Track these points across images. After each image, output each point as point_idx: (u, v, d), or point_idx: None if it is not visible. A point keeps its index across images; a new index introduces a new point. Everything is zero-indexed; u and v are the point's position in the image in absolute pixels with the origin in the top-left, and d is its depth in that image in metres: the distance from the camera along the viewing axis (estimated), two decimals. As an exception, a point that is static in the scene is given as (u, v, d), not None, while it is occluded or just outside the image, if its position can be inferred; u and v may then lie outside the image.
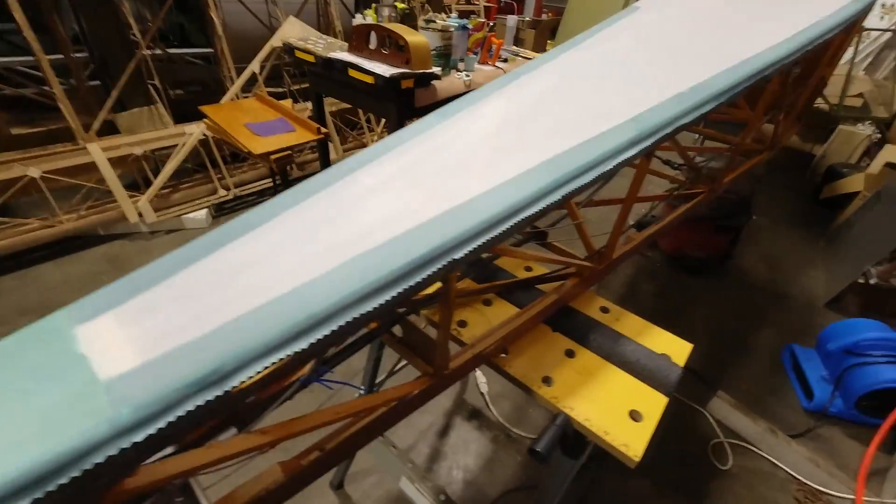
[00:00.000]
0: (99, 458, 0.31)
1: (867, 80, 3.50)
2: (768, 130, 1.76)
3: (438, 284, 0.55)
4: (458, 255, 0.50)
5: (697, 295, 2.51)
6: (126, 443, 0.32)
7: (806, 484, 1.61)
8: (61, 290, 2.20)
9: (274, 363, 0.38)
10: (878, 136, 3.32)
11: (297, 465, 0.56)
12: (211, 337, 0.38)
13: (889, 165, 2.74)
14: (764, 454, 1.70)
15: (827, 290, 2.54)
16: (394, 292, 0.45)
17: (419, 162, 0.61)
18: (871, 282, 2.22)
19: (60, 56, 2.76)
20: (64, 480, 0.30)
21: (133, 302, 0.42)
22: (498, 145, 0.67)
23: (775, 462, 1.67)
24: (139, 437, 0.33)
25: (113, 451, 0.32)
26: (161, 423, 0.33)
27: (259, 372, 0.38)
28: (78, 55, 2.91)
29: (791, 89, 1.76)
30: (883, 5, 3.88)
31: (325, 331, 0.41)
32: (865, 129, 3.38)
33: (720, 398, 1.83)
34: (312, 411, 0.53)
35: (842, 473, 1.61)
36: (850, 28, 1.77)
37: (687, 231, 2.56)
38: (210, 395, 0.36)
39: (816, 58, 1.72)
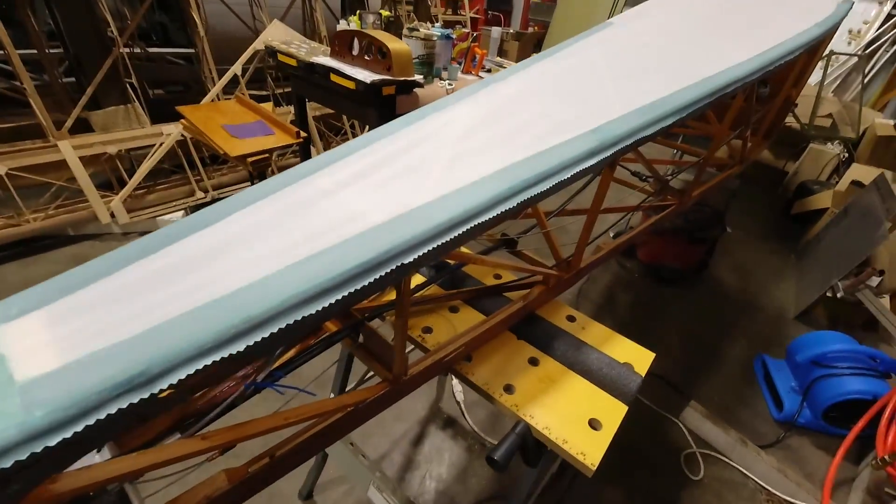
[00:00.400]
0: (6, 462, 0.30)
1: (836, 102, 3.65)
2: (739, 146, 1.81)
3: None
4: (408, 259, 0.49)
5: (673, 305, 2.55)
6: (38, 447, 0.31)
7: (774, 494, 1.64)
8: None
9: (206, 366, 0.37)
10: (846, 155, 3.46)
11: (244, 471, 0.54)
12: (141, 338, 0.37)
13: (855, 183, 2.85)
14: (735, 464, 1.72)
15: (797, 302, 2.61)
16: (338, 296, 0.44)
17: (378, 166, 0.61)
18: (839, 295, 2.29)
19: (33, 52, 2.69)
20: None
21: (64, 301, 0.41)
22: (458, 151, 0.67)
23: (745, 472, 1.70)
24: (52, 441, 0.31)
25: (22, 455, 0.30)
26: (78, 427, 0.32)
27: (191, 375, 0.37)
28: (53, 51, 2.84)
29: (758, 107, 1.82)
30: (850, 31, 4.07)
31: (263, 333, 0.40)
32: (834, 149, 3.51)
33: (693, 408, 1.85)
34: (260, 417, 0.52)
35: (809, 483, 1.64)
36: (815, 51, 1.85)
37: (664, 242, 2.61)
38: (134, 398, 0.34)
39: (782, 78, 1.79)
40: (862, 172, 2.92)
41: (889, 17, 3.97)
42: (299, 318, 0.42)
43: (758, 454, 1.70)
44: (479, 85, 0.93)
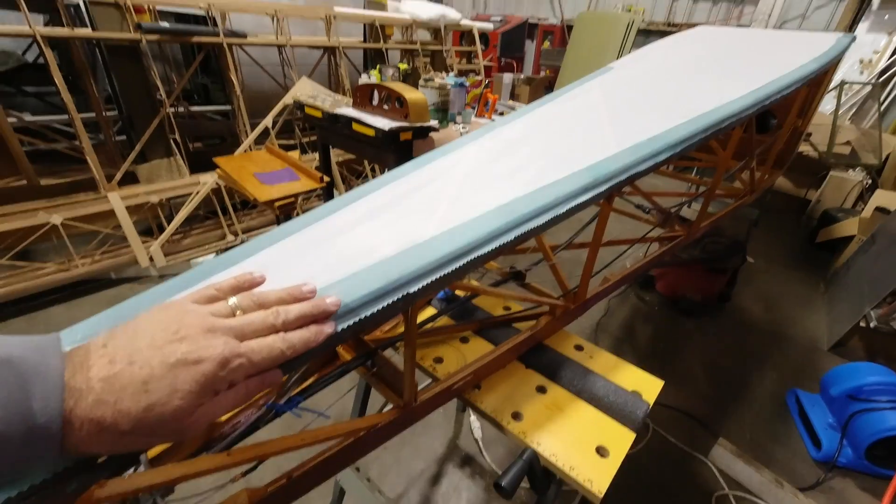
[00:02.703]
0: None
1: (854, 129, 3.63)
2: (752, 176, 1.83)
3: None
4: (414, 289, 0.55)
5: (695, 337, 2.48)
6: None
7: (818, 541, 1.53)
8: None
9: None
10: (870, 181, 3.39)
11: (264, 491, 0.58)
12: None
13: (880, 209, 2.78)
14: (771, 508, 1.62)
15: (830, 333, 2.50)
16: (350, 322, 0.50)
17: (389, 205, 0.69)
18: (871, 325, 2.19)
19: (92, 115, 3.02)
20: (35, 481, 0.34)
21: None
22: (463, 189, 0.74)
23: (784, 517, 1.59)
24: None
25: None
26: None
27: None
28: (108, 113, 3.17)
29: (765, 138, 1.85)
30: (861, 61, 4.10)
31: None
32: (856, 175, 3.45)
33: (722, 446, 1.77)
34: (277, 437, 0.57)
35: (855, 530, 1.53)
36: (818, 83, 1.90)
37: (682, 274, 2.58)
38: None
39: (787, 109, 1.83)
40: (887, 198, 2.86)
41: (900, 46, 4.01)
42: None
43: (796, 496, 1.60)
44: (485, 129, 1.02)
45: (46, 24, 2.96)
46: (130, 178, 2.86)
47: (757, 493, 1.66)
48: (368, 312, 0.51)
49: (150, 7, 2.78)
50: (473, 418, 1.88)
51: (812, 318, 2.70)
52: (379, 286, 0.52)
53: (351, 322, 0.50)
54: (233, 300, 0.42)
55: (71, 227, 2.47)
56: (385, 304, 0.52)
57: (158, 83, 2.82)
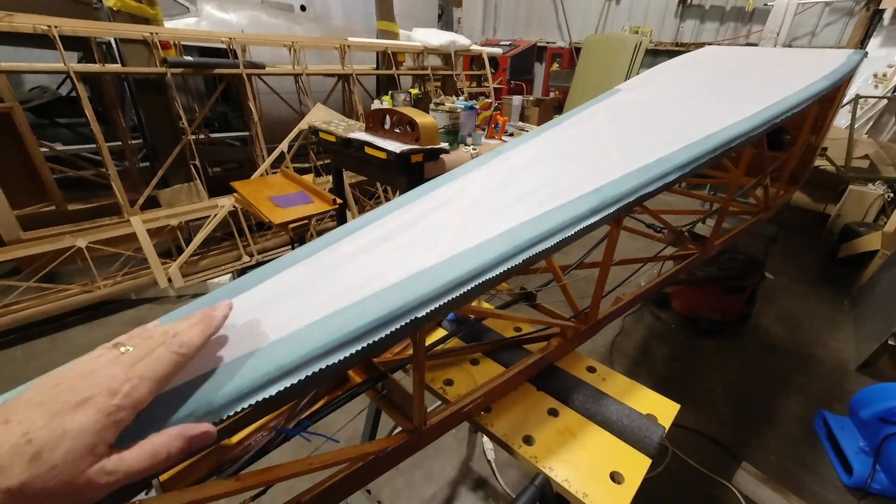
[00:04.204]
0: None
1: (872, 143, 3.57)
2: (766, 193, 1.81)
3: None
4: (420, 314, 0.56)
5: (715, 358, 2.41)
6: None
7: (854, 576, 1.44)
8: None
9: (244, 408, 0.44)
10: (892, 195, 3.31)
11: (274, 516, 0.59)
12: (192, 384, 0.45)
13: (903, 224, 2.70)
14: (802, 539, 1.54)
15: (857, 352, 2.41)
16: (358, 347, 0.51)
17: (395, 232, 0.70)
18: (902, 344, 2.10)
19: (119, 143, 3.16)
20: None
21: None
22: (469, 216, 0.75)
23: (816, 549, 1.51)
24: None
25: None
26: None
27: (230, 415, 0.44)
28: (133, 142, 3.32)
29: (779, 154, 1.84)
30: (875, 75, 4.06)
31: (292, 380, 0.47)
32: (877, 189, 3.38)
33: (746, 470, 1.70)
34: (287, 461, 0.57)
35: (895, 564, 1.43)
36: (831, 100, 1.89)
37: (698, 292, 2.53)
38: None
39: (799, 126, 1.82)
40: (911, 212, 2.78)
41: (914, 59, 3.97)
42: (323, 366, 0.49)
43: (829, 527, 1.51)
44: (492, 154, 1.03)
45: (80, 61, 3.15)
46: (152, 203, 2.96)
47: (786, 523, 1.58)
48: (376, 338, 0.52)
49: (176, 43, 2.94)
50: (486, 440, 1.84)
51: (838, 336, 2.61)
52: (385, 312, 0.53)
53: (358, 348, 0.51)
54: (121, 346, 0.40)
55: (95, 250, 2.56)
56: (391, 329, 0.53)
57: (181, 113, 2.95)
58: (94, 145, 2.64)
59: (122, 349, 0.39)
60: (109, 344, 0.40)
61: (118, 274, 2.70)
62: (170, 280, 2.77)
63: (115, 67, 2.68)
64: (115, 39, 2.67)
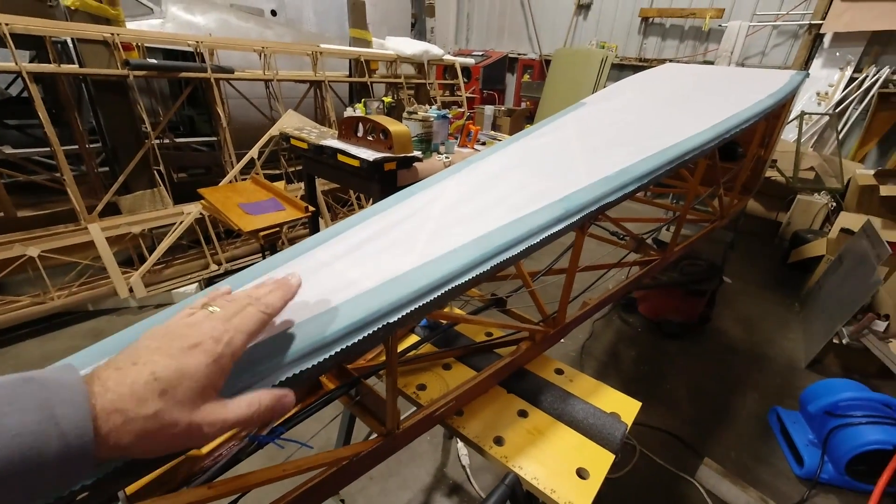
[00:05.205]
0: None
1: (816, 156, 3.85)
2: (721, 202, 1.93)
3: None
4: (393, 319, 0.57)
5: (679, 359, 2.53)
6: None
7: (806, 561, 1.53)
8: (38, 367, 2.19)
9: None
10: (834, 204, 3.57)
11: (246, 526, 0.58)
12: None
13: (844, 230, 2.92)
14: (759, 528, 1.62)
15: (806, 351, 2.57)
16: (331, 352, 0.52)
17: (370, 239, 0.72)
18: (844, 342, 2.26)
19: (75, 147, 3.02)
20: None
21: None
22: (441, 224, 0.78)
23: (771, 537, 1.60)
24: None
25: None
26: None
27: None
28: (91, 146, 3.17)
29: (731, 166, 1.96)
30: (818, 93, 4.40)
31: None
32: (822, 199, 3.64)
33: (708, 466, 1.78)
34: (259, 468, 0.57)
35: (841, 548, 1.54)
36: (777, 116, 2.03)
37: (663, 296, 2.65)
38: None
39: (749, 140, 1.95)
40: (851, 220, 3.02)
41: (851, 80, 4.33)
42: (297, 371, 0.49)
43: (782, 516, 1.61)
44: (464, 164, 1.06)
45: (33, 60, 3.00)
46: (112, 210, 2.84)
47: (744, 513, 1.66)
48: (349, 343, 0.53)
49: (139, 45, 2.85)
50: (461, 445, 1.86)
51: (789, 336, 2.78)
52: (359, 318, 0.55)
53: (332, 353, 0.52)
54: (208, 306, 0.45)
55: (48, 259, 2.43)
56: (365, 334, 0.55)
57: (144, 116, 2.85)
58: (47, 148, 2.51)
59: (210, 309, 0.43)
60: (197, 304, 0.45)
61: (74, 284, 2.56)
62: (131, 290, 2.66)
63: (73, 68, 2.57)
64: (73, 39, 2.56)
